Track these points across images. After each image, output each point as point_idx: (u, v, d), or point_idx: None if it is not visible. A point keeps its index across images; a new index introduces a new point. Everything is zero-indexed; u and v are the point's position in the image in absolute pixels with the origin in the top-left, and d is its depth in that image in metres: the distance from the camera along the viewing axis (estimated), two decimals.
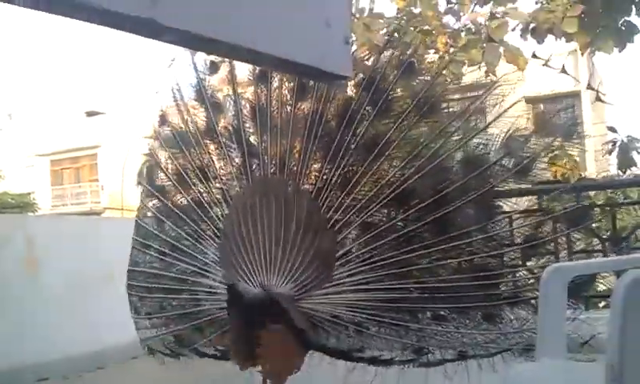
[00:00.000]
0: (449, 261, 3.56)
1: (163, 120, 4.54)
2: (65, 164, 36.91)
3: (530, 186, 3.81)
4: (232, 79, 4.25)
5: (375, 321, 3.59)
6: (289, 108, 3.95)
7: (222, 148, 4.21)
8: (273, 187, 3.81)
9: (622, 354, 1.67)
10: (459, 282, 3.47)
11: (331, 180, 3.65)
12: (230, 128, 4.22)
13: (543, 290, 2.61)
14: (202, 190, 4.20)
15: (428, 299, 3.57)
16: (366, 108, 3.66)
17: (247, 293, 3.49)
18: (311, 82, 3.81)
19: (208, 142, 4.28)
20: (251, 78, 4.24)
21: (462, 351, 3.46)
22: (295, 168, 3.78)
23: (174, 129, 4.44)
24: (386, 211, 3.60)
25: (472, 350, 3.43)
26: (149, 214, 4.54)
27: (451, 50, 14.41)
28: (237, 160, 4.14)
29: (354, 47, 12.65)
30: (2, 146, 33.05)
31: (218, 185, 4.17)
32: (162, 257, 4.29)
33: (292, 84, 3.97)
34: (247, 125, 4.15)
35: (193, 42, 1.09)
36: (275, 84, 4.10)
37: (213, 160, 4.24)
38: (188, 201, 4.23)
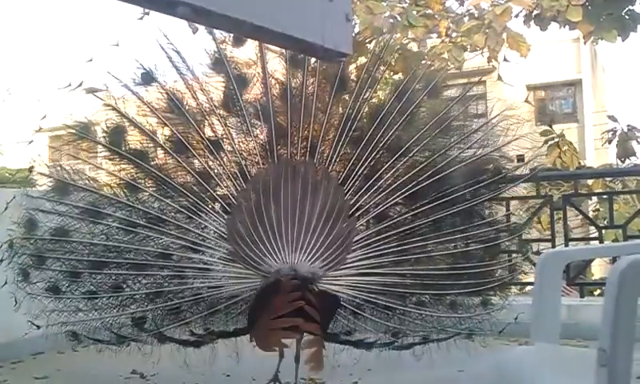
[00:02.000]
0: (438, 253, 4.06)
1: (147, 79, 3.99)
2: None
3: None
4: (262, 56, 4.07)
5: (372, 303, 3.79)
6: (327, 98, 4.06)
7: (244, 122, 3.99)
8: (301, 169, 3.81)
9: (613, 339, 1.68)
10: (442, 271, 3.97)
11: (358, 170, 3.88)
12: (258, 104, 4.05)
13: (539, 275, 2.62)
14: (210, 162, 3.94)
15: (417, 285, 3.93)
16: (395, 116, 4.00)
17: (279, 271, 3.48)
18: (352, 77, 4.22)
19: (225, 113, 4.04)
20: (284, 60, 4.08)
21: (426, 335, 3.91)
22: (326, 154, 3.92)
23: (170, 93, 3.99)
24: (398, 206, 3.96)
25: (436, 334, 3.91)
26: (106, 178, 4.07)
27: (453, 34, 14.40)
28: (261, 137, 3.99)
29: (357, 29, 12.60)
30: (1, 121, 33.02)
31: (234, 159, 3.94)
32: (131, 229, 3.88)
33: (332, 75, 4.08)
34: (276, 104, 4.03)
35: (194, 16, 1.08)
36: (310, 70, 4.07)
37: (230, 133, 4.01)
38: (189, 171, 3.93)
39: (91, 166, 4.18)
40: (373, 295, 3.73)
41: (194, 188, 3.88)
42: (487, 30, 12.90)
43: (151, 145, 3.98)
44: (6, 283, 3.91)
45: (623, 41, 9.63)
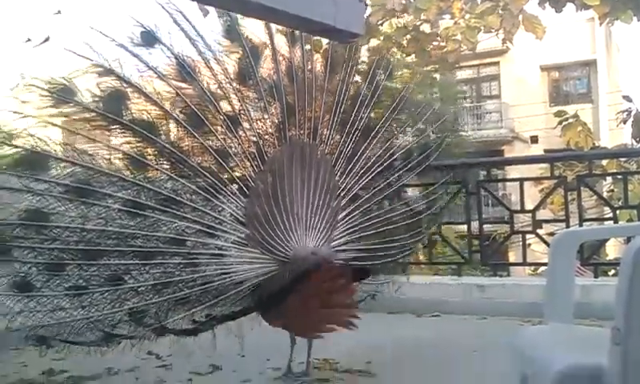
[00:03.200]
0: (391, 225, 4.12)
1: (149, 39, 3.53)
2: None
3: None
4: (269, 31, 3.89)
5: None
6: (322, 77, 4.04)
7: (260, 98, 3.78)
8: (307, 151, 3.78)
9: (628, 318, 1.69)
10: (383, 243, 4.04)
11: (344, 151, 3.91)
12: (271, 81, 3.85)
13: (552, 256, 2.62)
14: (228, 139, 3.65)
15: (371, 258, 3.94)
16: (369, 100, 4.11)
17: (304, 255, 3.47)
18: (342, 54, 4.10)
19: (241, 87, 3.79)
20: (286, 36, 3.96)
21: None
22: (324, 136, 3.91)
23: (180, 58, 3.58)
24: (370, 184, 4.02)
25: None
26: (105, 152, 3.54)
27: (466, 15, 14.27)
28: (275, 117, 3.82)
29: (368, 11, 12.51)
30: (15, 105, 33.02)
31: (252, 137, 3.73)
32: (138, 211, 3.45)
33: (326, 53, 4.09)
34: (285, 83, 3.88)
35: None
36: (307, 48, 4.04)
37: (247, 108, 3.76)
38: (206, 148, 3.61)
39: (79, 136, 3.59)
40: None
41: (212, 167, 3.60)
42: (502, 12, 12.80)
43: (161, 116, 3.57)
44: None
45: (639, 21, 9.51)
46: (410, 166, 4.22)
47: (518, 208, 5.75)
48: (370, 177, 3.97)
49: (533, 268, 7.53)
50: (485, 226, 5.90)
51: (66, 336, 3.35)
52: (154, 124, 3.52)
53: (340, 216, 3.76)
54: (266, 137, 3.75)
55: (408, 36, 14.86)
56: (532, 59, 23.13)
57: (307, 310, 3.38)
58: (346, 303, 3.46)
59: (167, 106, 3.58)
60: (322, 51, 4.16)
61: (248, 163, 3.65)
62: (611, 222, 5.66)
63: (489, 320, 4.81)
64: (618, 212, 5.75)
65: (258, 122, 3.77)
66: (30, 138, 3.31)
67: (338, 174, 3.86)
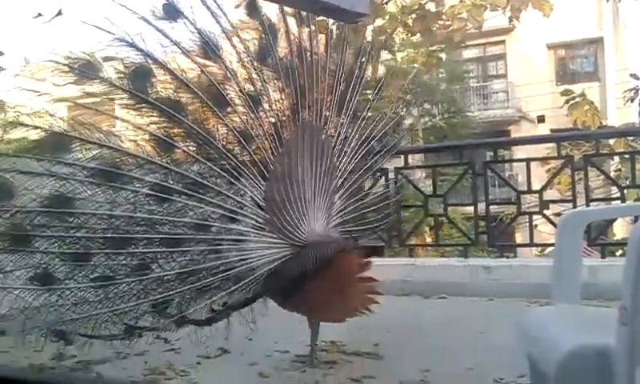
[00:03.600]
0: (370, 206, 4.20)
1: (171, 12, 3.37)
2: None
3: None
4: (282, 10, 3.83)
5: None
6: (324, 58, 4.00)
7: (279, 78, 3.72)
8: (315, 133, 3.77)
9: (635, 298, 1.68)
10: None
11: (340, 132, 3.91)
12: (287, 61, 3.79)
13: (559, 236, 2.61)
14: (250, 120, 3.55)
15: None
16: (356, 81, 4.08)
17: (318, 238, 3.51)
18: (336, 32, 4.14)
19: (261, 66, 3.70)
20: (294, 17, 3.90)
21: None
22: (326, 117, 3.89)
23: (203, 34, 3.42)
24: (358, 165, 4.02)
25: None
26: (132, 133, 3.39)
27: None
28: (290, 98, 3.76)
29: None
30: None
31: (272, 119, 3.65)
32: (166, 196, 3.34)
33: (326, 34, 4.10)
34: (297, 63, 3.82)
35: None
36: (312, 29, 3.96)
37: (267, 89, 3.69)
38: (230, 129, 3.50)
39: (102, 116, 3.41)
40: None
41: (236, 149, 3.51)
42: None
43: (187, 94, 3.43)
44: None
45: None
46: (386, 149, 4.22)
47: (525, 189, 5.74)
48: (357, 157, 3.98)
49: (540, 249, 7.53)
50: (491, 207, 5.91)
51: (89, 330, 3.19)
52: (180, 102, 3.39)
53: (336, 197, 3.78)
54: (283, 118, 3.71)
55: (413, 15, 14.78)
56: (538, 37, 22.96)
57: (331, 294, 3.37)
58: (368, 284, 3.45)
59: (192, 83, 3.44)
60: (325, 32, 4.13)
61: (267, 145, 3.58)
62: (619, 201, 5.64)
63: (496, 301, 4.81)
64: (625, 191, 5.72)
65: (277, 102, 3.72)
66: (50, 118, 3.12)
67: (336, 155, 3.86)
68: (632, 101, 13.16)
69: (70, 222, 3.20)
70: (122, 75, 3.29)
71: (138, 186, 3.30)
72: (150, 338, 3.41)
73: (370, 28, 15.71)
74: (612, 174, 7.74)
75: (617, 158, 9.67)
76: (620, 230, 11.85)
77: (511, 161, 10.41)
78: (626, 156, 7.62)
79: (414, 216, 7.34)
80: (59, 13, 2.94)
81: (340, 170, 3.85)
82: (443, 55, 18.74)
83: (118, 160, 3.27)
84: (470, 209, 5.94)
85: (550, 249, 5.63)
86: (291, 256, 3.47)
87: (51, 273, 3.17)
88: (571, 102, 14.16)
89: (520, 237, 12.78)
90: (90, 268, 3.20)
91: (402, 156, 6.25)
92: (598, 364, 1.78)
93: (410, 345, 3.79)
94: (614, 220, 6.57)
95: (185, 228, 3.40)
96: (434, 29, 15.09)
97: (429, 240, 7.44)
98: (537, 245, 6.53)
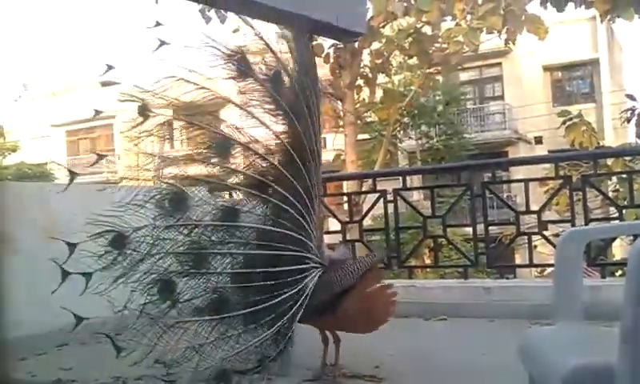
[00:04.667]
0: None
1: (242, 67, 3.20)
2: (80, 134, 36.98)
3: None
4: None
5: None
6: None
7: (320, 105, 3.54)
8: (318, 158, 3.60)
9: (636, 316, 1.68)
10: None
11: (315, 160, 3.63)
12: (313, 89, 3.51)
13: (559, 255, 2.61)
14: (312, 145, 3.40)
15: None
16: None
17: (338, 258, 3.51)
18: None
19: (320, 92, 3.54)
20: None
21: None
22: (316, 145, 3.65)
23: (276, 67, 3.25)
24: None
25: None
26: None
27: (468, 17, 14.29)
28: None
29: (370, 14, 12.51)
30: (18, 116, 33.18)
31: (316, 146, 3.46)
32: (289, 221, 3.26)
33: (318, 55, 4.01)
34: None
35: None
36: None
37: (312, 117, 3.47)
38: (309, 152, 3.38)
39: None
40: None
41: (308, 175, 3.39)
42: (505, 13, 12.81)
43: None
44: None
45: None
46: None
47: (524, 209, 5.74)
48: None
49: (539, 269, 7.51)
50: (490, 228, 5.88)
51: (239, 366, 2.87)
52: (302, 112, 3.25)
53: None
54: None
55: (410, 38, 14.90)
56: (534, 59, 23.14)
57: (365, 308, 3.33)
58: (389, 298, 3.40)
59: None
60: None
61: (313, 172, 3.47)
62: (617, 221, 5.64)
63: (497, 322, 4.80)
64: (624, 211, 5.72)
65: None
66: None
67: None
68: (628, 121, 13.20)
69: (240, 238, 3.02)
70: (265, 77, 3.20)
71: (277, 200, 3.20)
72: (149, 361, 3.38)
73: (366, 51, 15.92)
74: (610, 194, 7.74)
75: (615, 178, 9.69)
76: (619, 250, 11.85)
77: (509, 181, 10.46)
78: (624, 176, 7.63)
79: (413, 237, 7.34)
80: (110, 68, 2.73)
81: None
82: (440, 78, 18.87)
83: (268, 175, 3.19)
84: (469, 230, 5.93)
85: (549, 269, 5.60)
86: (320, 277, 3.42)
87: (227, 298, 2.92)
88: (568, 123, 14.23)
89: (519, 258, 12.79)
90: (264, 290, 2.98)
91: (401, 177, 6.28)
92: (600, 383, 1.77)
93: (412, 367, 3.76)
94: (614, 240, 6.57)
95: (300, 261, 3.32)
96: (431, 52, 15.21)
97: (428, 261, 7.42)
98: (536, 265, 6.49)
